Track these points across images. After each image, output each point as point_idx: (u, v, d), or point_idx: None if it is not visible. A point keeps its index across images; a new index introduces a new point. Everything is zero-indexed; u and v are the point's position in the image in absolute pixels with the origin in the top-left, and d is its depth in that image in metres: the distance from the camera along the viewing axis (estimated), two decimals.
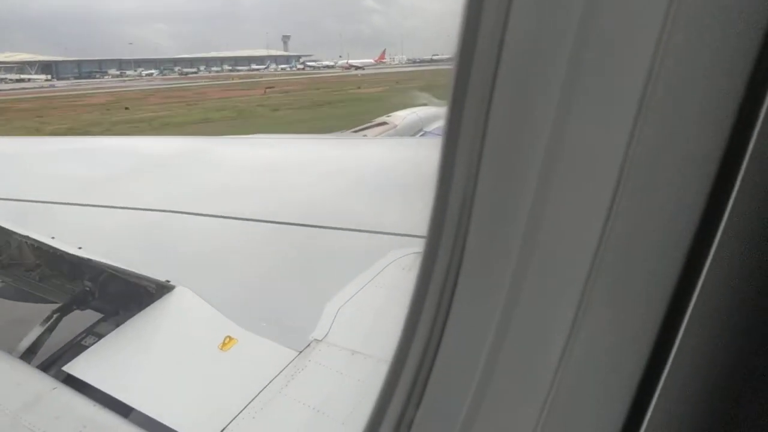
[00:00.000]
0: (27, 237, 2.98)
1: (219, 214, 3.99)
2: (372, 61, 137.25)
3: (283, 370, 2.37)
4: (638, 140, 0.56)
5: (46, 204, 4.39)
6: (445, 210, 0.74)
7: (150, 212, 4.15)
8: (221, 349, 2.54)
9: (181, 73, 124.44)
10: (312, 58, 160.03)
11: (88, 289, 3.00)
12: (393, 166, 5.32)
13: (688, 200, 0.56)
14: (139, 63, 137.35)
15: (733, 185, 0.54)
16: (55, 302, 3.13)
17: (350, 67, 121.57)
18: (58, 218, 4.06)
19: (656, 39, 0.52)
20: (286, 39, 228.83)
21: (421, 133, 7.94)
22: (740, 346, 0.59)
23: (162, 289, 2.92)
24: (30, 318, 3.11)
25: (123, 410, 2.30)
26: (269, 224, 3.80)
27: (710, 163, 0.54)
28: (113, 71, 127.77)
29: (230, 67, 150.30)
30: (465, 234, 0.72)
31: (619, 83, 0.56)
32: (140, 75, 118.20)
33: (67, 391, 2.37)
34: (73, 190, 4.69)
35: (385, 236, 3.41)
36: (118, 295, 2.98)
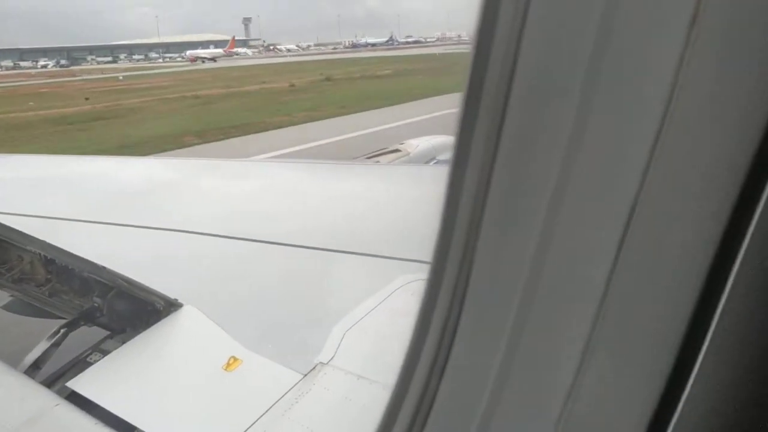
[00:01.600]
0: (43, 246, 2.99)
1: (230, 235, 4.00)
2: (222, 51, 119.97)
3: (287, 392, 2.35)
4: (661, 152, 0.55)
5: (60, 220, 4.44)
6: (452, 231, 0.73)
7: (160, 231, 4.18)
8: (225, 369, 2.52)
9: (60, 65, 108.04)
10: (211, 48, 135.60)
11: (96, 305, 2.99)
12: (405, 192, 5.33)
13: (711, 212, 0.55)
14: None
15: (759, 198, 0.52)
16: (64, 318, 3.13)
17: (196, 59, 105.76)
18: (71, 235, 4.10)
19: (683, 39, 0.51)
20: (246, 22, 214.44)
21: (434, 161, 7.94)
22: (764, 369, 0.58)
23: (170, 306, 2.92)
24: (38, 333, 3.11)
25: (125, 429, 2.28)
26: (280, 246, 3.81)
27: (737, 172, 0.52)
28: None
29: (125, 56, 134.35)
30: (472, 256, 0.71)
31: (643, 87, 0.55)
32: None
33: (69, 408, 2.36)
34: (80, 207, 4.74)
35: (395, 261, 3.40)
36: (126, 313, 2.98)
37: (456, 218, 0.71)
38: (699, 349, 0.59)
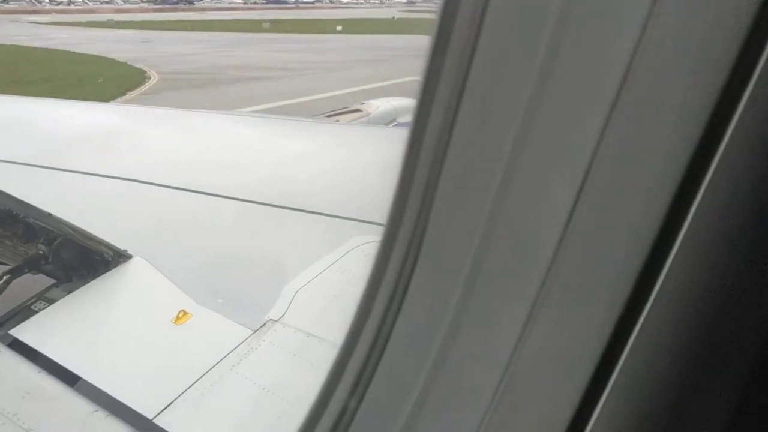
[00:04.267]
0: None
1: (182, 187, 3.94)
2: None
3: (236, 347, 2.35)
4: (609, 137, 0.56)
5: (4, 164, 4.29)
6: (406, 199, 0.73)
7: (112, 180, 4.08)
8: (174, 323, 2.50)
9: None
10: None
11: (41, 252, 2.92)
12: (363, 153, 5.31)
13: (653, 201, 0.56)
14: None
15: (698, 188, 0.54)
16: (7, 264, 3.05)
17: None
18: (14, 179, 3.97)
19: (636, 35, 0.52)
20: None
21: (394, 123, 7.92)
22: (697, 348, 0.60)
23: (119, 257, 2.87)
24: None
25: (69, 378, 2.26)
26: (233, 201, 3.77)
27: (679, 162, 0.54)
28: None
29: None
30: (424, 226, 0.72)
31: (593, 79, 0.56)
32: None
33: (12, 355, 2.32)
34: (33, 153, 4.59)
35: (349, 222, 3.40)
36: (73, 262, 2.92)
37: (412, 184, 0.71)
38: (621, 351, 0.61)
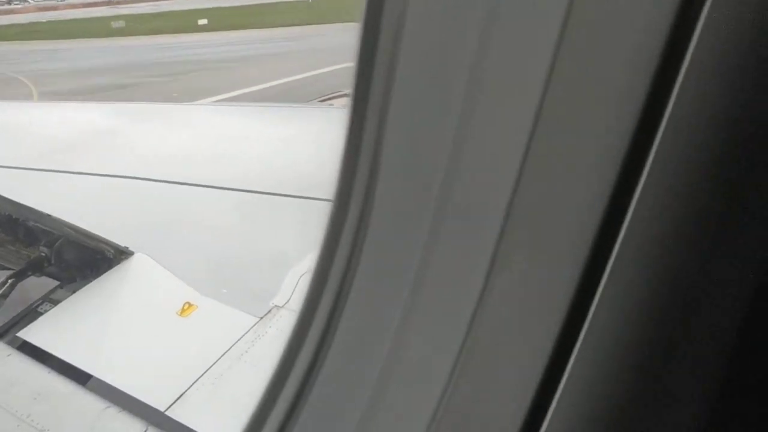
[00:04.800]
0: None
1: (183, 181, 3.93)
2: None
3: (243, 336, 2.36)
4: (538, 138, 0.56)
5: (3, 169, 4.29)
6: (351, 183, 0.74)
7: (109, 178, 4.08)
8: (180, 315, 2.51)
9: None
10: None
11: (44, 254, 2.93)
12: None
13: (589, 203, 0.56)
14: None
15: (635, 188, 0.54)
16: (10, 268, 3.06)
17: None
18: (16, 184, 3.97)
19: (556, 38, 0.52)
20: None
21: None
22: (641, 347, 0.60)
23: (120, 254, 2.87)
24: None
25: (80, 377, 2.27)
26: (234, 192, 3.76)
27: (612, 164, 0.54)
28: None
29: None
30: (370, 205, 0.72)
31: (519, 82, 0.56)
32: None
33: (22, 358, 2.33)
34: (32, 156, 4.58)
35: None
36: (75, 262, 2.93)
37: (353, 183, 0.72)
38: (571, 349, 0.61)
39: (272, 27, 30.11)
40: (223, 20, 33.10)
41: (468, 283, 0.65)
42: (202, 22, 31.91)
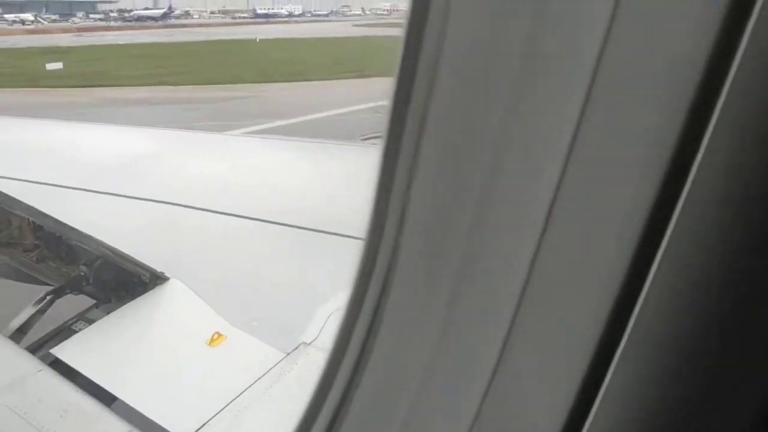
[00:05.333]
0: (32, 211, 2.98)
1: (221, 211, 4.00)
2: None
3: (269, 370, 2.37)
4: (582, 141, 0.55)
5: (49, 187, 4.42)
6: (384, 213, 0.74)
7: (150, 203, 4.17)
8: (209, 344, 2.53)
9: None
10: None
11: (83, 273, 3.00)
12: None
13: (634, 204, 0.55)
14: None
15: (682, 189, 0.53)
16: (50, 284, 3.13)
17: None
18: (59, 202, 4.08)
19: (605, 28, 0.52)
20: None
21: None
22: (687, 351, 0.59)
23: (156, 279, 2.92)
24: (24, 298, 3.11)
25: (106, 398, 2.30)
26: (271, 224, 3.81)
27: (661, 162, 0.53)
28: None
29: None
30: (401, 239, 0.73)
31: (563, 84, 0.56)
32: None
33: (52, 375, 2.37)
34: (78, 176, 4.72)
35: None
36: (112, 283, 2.98)
37: (387, 212, 0.73)
38: (614, 351, 0.60)
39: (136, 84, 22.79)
40: (83, 66, 25.65)
41: (494, 323, 0.65)
42: (53, 66, 23.83)
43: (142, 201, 4.21)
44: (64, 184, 4.48)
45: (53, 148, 6.00)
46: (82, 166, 5.20)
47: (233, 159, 5.94)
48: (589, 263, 0.59)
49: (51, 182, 4.51)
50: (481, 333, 0.67)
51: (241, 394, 2.25)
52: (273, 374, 2.35)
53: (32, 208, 3.05)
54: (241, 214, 3.94)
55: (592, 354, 0.61)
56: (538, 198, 0.59)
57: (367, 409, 0.83)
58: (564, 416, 0.64)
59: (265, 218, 3.87)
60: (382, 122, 0.69)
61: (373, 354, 0.79)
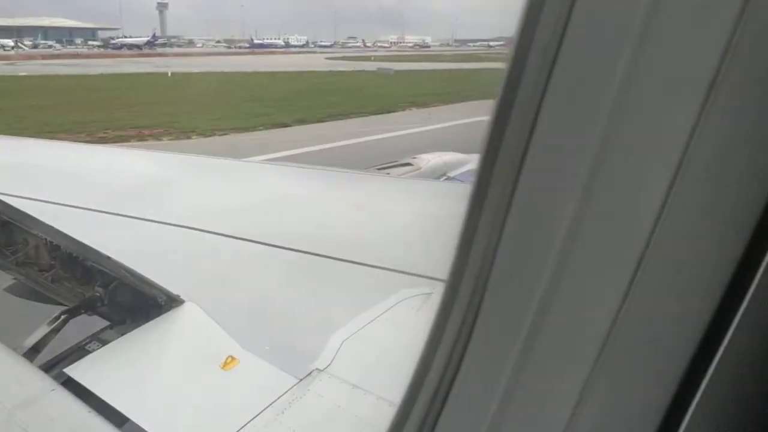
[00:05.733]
0: (49, 231, 3.01)
1: (236, 236, 4.02)
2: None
3: (281, 396, 2.36)
4: (681, 181, 0.55)
5: (68, 208, 4.47)
6: (471, 242, 0.74)
7: (167, 226, 4.20)
8: (222, 368, 2.53)
9: None
10: None
11: (98, 294, 3.01)
12: (413, 207, 5.34)
13: (732, 227, 0.55)
14: None
15: None
16: (65, 304, 3.15)
17: None
18: (78, 223, 4.13)
19: (723, 45, 0.52)
20: (162, 7, 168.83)
21: (445, 177, 7.97)
22: None
23: (171, 302, 2.93)
24: (38, 317, 3.13)
25: (118, 419, 2.29)
26: (285, 250, 3.82)
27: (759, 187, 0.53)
28: None
29: None
30: (485, 285, 0.73)
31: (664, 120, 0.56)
32: None
33: (65, 394, 2.37)
34: (98, 198, 4.77)
35: (398, 274, 3.41)
36: (127, 304, 3.00)
37: (476, 230, 0.73)
38: (713, 355, 0.59)
39: None
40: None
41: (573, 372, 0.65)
42: None
43: (159, 224, 4.24)
44: (86, 207, 4.53)
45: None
46: (100, 188, 5.26)
47: (248, 185, 5.98)
48: (694, 266, 0.59)
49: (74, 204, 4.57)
50: (575, 342, 0.67)
51: (253, 418, 2.24)
52: (285, 400, 2.34)
53: (50, 227, 3.08)
54: (256, 239, 3.96)
55: (694, 353, 0.60)
56: (633, 232, 0.59)
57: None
58: (661, 416, 0.63)
59: (281, 244, 3.89)
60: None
61: (464, 361, 0.79)
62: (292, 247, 3.87)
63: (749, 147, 0.53)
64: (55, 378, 2.52)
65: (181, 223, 4.24)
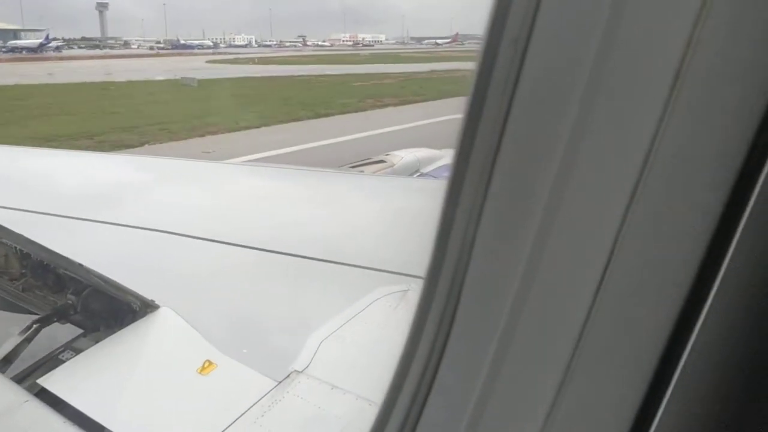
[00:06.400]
0: (19, 239, 2.95)
1: (209, 238, 3.99)
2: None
3: (260, 399, 2.34)
4: (657, 153, 0.56)
5: (37, 215, 4.39)
6: (447, 236, 0.74)
7: (140, 230, 4.15)
8: (200, 372, 2.51)
9: None
10: None
11: (70, 302, 2.96)
12: (387, 204, 5.35)
13: (703, 210, 0.56)
14: None
15: (749, 197, 0.54)
16: (37, 313, 3.09)
17: None
18: (48, 230, 4.06)
19: (685, 41, 0.52)
20: (101, 8, 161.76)
21: (418, 173, 7.99)
22: (754, 352, 0.59)
23: (146, 307, 2.90)
24: (9, 327, 3.07)
25: (94, 429, 2.26)
26: (258, 251, 3.80)
27: (733, 166, 0.54)
28: None
29: None
30: (462, 279, 0.73)
31: (640, 95, 0.56)
32: None
33: (39, 405, 2.33)
34: (67, 204, 4.70)
35: (374, 272, 3.41)
36: (101, 311, 2.95)
37: (452, 225, 0.73)
38: (681, 353, 0.60)
39: None
40: None
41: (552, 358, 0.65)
42: None
43: (132, 229, 4.19)
44: (57, 213, 4.46)
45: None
46: (72, 194, 5.18)
47: (221, 187, 5.94)
48: (660, 268, 0.59)
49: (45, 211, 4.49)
50: (552, 334, 0.68)
51: (233, 422, 2.23)
52: (264, 403, 2.33)
53: (20, 235, 3.02)
54: (229, 241, 3.93)
55: (660, 355, 0.61)
56: (612, 205, 0.60)
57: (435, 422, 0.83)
58: (632, 415, 0.64)
59: (255, 245, 3.86)
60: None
61: (446, 350, 0.79)
62: (266, 248, 3.85)
63: (714, 140, 0.54)
64: (29, 389, 2.48)
65: (152, 227, 4.19)
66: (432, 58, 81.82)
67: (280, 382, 2.43)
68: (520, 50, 0.61)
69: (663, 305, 0.60)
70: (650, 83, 0.55)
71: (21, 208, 4.50)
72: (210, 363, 2.55)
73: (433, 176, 7.74)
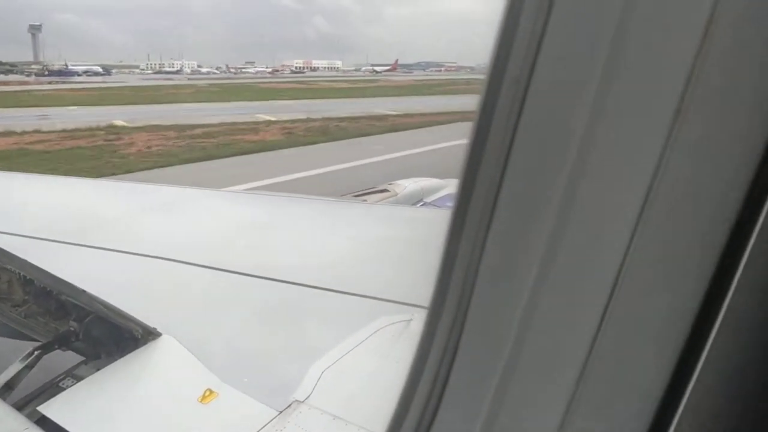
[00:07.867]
0: (23, 265, 2.95)
1: (212, 266, 3.99)
2: None
3: (261, 429, 2.33)
4: (667, 164, 0.56)
5: (38, 241, 4.41)
6: (450, 275, 0.75)
7: (142, 258, 4.16)
8: (201, 401, 2.49)
9: None
10: None
11: (72, 329, 2.96)
12: (390, 233, 5.35)
13: (718, 215, 0.56)
14: None
15: (765, 199, 0.54)
16: (38, 340, 3.09)
17: None
18: (52, 256, 4.07)
19: (698, 42, 0.53)
20: (34, 30, 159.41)
21: (421, 203, 8.01)
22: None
23: (148, 335, 2.89)
24: (11, 354, 3.06)
25: None
26: (262, 280, 3.80)
27: (742, 177, 0.54)
28: None
29: None
30: (468, 304, 0.73)
31: (651, 102, 0.57)
32: None
33: None
34: (73, 231, 4.71)
35: (376, 302, 3.40)
36: (102, 339, 2.94)
37: (456, 255, 0.73)
38: (700, 352, 0.60)
39: None
40: None
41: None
42: None
43: (135, 256, 4.20)
44: (60, 240, 4.47)
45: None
46: (76, 221, 5.20)
47: (223, 214, 5.95)
48: (677, 265, 0.59)
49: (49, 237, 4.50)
50: (569, 329, 0.68)
51: None
52: None
53: (25, 261, 3.03)
54: (233, 269, 3.93)
55: (676, 359, 0.61)
56: (620, 223, 0.60)
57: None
58: (652, 412, 0.64)
59: (258, 274, 3.87)
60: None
61: (459, 350, 0.79)
62: (269, 276, 3.85)
63: (729, 140, 0.54)
64: (29, 416, 2.46)
65: (156, 255, 4.20)
66: (347, 90, 71.46)
67: (281, 412, 2.42)
68: (521, 90, 0.62)
69: (677, 313, 0.60)
70: (662, 86, 0.56)
71: (25, 234, 4.52)
72: (211, 392, 2.54)
73: (436, 205, 7.76)
